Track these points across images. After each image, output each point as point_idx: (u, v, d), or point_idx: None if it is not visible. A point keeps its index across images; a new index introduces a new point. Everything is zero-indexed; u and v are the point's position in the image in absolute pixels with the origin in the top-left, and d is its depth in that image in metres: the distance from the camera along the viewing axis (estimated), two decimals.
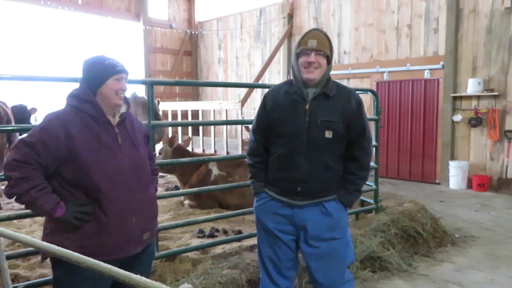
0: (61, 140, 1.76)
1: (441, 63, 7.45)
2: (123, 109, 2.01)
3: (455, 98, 7.34)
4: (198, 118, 9.87)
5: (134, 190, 1.92)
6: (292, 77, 2.26)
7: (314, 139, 2.13)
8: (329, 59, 2.18)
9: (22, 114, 6.24)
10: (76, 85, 1.97)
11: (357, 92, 2.35)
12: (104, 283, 1.87)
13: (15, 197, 1.76)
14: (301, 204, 2.20)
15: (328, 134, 2.13)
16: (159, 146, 5.84)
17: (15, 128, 5.26)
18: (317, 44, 2.12)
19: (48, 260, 1.98)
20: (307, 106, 2.15)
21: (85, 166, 1.79)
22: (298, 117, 2.15)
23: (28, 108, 6.56)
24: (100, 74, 1.86)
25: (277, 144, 2.22)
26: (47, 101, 8.82)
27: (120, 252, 1.87)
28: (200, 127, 9.73)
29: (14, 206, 5.79)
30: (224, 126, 8.63)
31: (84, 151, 1.79)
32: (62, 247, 1.79)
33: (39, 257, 3.46)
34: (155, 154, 2.40)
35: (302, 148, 2.14)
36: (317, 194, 2.20)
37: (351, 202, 2.28)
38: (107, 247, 1.84)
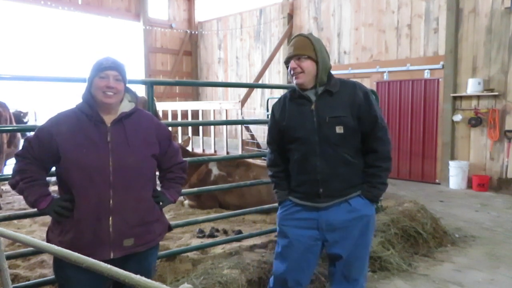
0: (52, 136, 1.86)
1: (441, 63, 7.45)
2: (125, 108, 1.98)
3: (455, 98, 7.34)
4: (198, 118, 9.87)
5: (116, 190, 1.84)
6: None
7: (326, 137, 2.12)
8: (315, 60, 2.15)
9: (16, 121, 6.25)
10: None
11: None
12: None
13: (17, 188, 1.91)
14: (325, 205, 2.17)
15: (339, 130, 2.11)
16: None
17: (15, 128, 5.29)
18: (294, 50, 2.14)
19: (48, 260, 1.98)
20: (313, 107, 2.15)
21: (66, 161, 1.84)
22: (306, 119, 2.15)
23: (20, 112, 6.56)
24: (90, 74, 1.92)
25: (292, 150, 2.23)
26: (47, 101, 8.84)
27: (92, 254, 1.59)
28: (200, 127, 9.73)
29: (14, 206, 5.80)
30: (224, 126, 8.64)
31: (68, 147, 1.84)
32: (49, 240, 1.88)
33: (39, 257, 3.48)
34: (185, 161, 2.24)
35: (316, 149, 2.13)
36: (340, 193, 2.17)
37: (377, 196, 2.23)
38: (79, 245, 1.78)
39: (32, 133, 1.96)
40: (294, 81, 2.17)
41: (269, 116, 2.40)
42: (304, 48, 2.15)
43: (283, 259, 2.28)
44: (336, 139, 2.13)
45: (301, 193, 2.23)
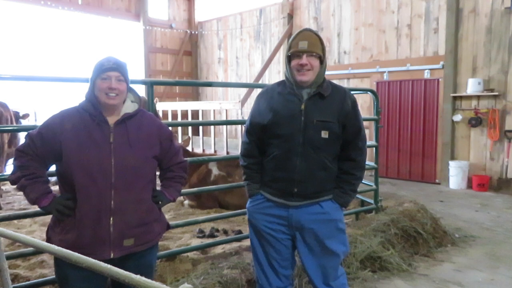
0: (56, 134, 1.86)
1: (441, 63, 7.45)
2: (128, 108, 1.99)
3: (455, 98, 7.34)
4: (198, 118, 9.88)
5: (117, 190, 1.85)
6: (284, 79, 2.25)
7: (310, 140, 2.12)
8: (321, 60, 2.15)
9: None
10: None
11: (357, 92, 2.34)
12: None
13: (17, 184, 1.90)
14: (297, 204, 2.19)
15: (324, 134, 2.12)
16: None
17: (15, 128, 5.29)
18: (308, 46, 2.10)
19: (48, 260, 1.98)
20: (303, 107, 2.13)
21: (68, 160, 1.84)
22: (293, 118, 2.13)
23: (21, 113, 6.51)
24: (92, 75, 1.92)
25: (273, 145, 2.20)
26: (47, 101, 8.84)
27: (92, 253, 1.68)
28: (200, 127, 9.73)
29: (14, 206, 5.80)
30: (224, 126, 8.64)
31: (70, 146, 1.84)
32: (48, 238, 1.90)
33: (39, 257, 3.48)
34: (185, 160, 2.25)
35: (298, 149, 2.13)
36: (313, 195, 2.19)
37: (347, 203, 2.27)
38: (79, 244, 1.80)
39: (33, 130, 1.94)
40: (298, 77, 2.12)
41: (254, 105, 2.33)
42: (316, 45, 2.13)
43: (257, 250, 2.31)
44: (319, 143, 2.13)
45: (275, 189, 2.23)
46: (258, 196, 2.30)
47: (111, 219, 1.85)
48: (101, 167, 1.83)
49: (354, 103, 2.22)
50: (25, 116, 6.50)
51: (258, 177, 2.32)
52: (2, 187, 6.47)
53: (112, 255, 1.86)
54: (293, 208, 2.19)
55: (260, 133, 2.25)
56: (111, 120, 1.92)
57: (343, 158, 2.24)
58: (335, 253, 2.24)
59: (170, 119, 9.38)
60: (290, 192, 2.18)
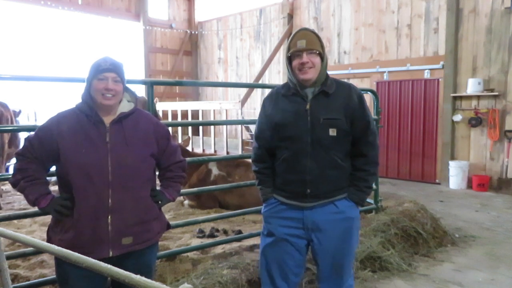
0: (53, 136, 1.88)
1: (441, 63, 7.45)
2: (124, 108, 1.99)
3: (455, 98, 7.34)
4: (198, 118, 9.88)
5: (115, 189, 1.86)
6: (287, 80, 2.25)
7: (318, 139, 2.10)
8: (322, 56, 2.14)
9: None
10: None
11: None
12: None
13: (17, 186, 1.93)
14: (311, 205, 2.17)
15: (332, 132, 2.10)
16: None
17: (15, 128, 5.29)
18: (307, 44, 2.09)
19: (48, 260, 1.99)
20: (308, 106, 2.12)
21: (65, 161, 1.86)
22: (300, 118, 2.12)
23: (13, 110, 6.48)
24: (89, 75, 1.93)
25: (282, 148, 2.19)
26: (47, 101, 8.84)
27: (91, 252, 1.74)
28: (200, 127, 9.74)
29: (14, 206, 5.80)
30: (224, 126, 8.65)
31: (67, 146, 1.86)
32: (49, 238, 1.92)
33: (39, 257, 3.48)
34: (184, 159, 2.24)
35: (307, 149, 2.11)
36: (327, 194, 2.16)
37: (363, 200, 2.24)
38: (78, 243, 1.82)
39: (32, 133, 1.96)
40: (301, 76, 2.11)
41: (260, 110, 2.34)
42: (315, 43, 2.12)
43: (269, 257, 2.29)
44: (328, 142, 2.11)
45: (287, 192, 2.21)
46: (271, 200, 2.29)
47: (109, 217, 1.86)
48: (98, 167, 1.84)
49: (360, 97, 2.19)
50: (17, 114, 6.48)
51: (271, 181, 2.30)
52: (2, 187, 6.47)
53: (111, 253, 1.87)
54: (308, 209, 2.17)
55: (269, 137, 2.25)
56: (107, 120, 1.93)
57: (355, 154, 2.21)
58: (351, 252, 2.24)
59: (170, 119, 9.38)
60: (303, 194, 2.16)
